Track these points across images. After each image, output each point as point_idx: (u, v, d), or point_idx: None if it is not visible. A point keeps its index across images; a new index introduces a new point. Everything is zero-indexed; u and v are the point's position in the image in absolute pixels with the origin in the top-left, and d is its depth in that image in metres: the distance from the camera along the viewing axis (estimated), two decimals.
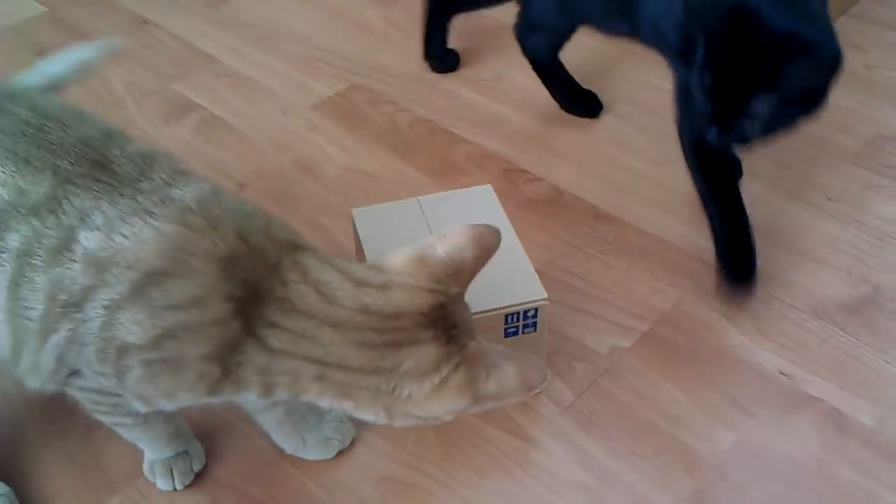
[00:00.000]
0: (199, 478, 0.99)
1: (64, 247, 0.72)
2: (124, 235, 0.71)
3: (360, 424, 1.03)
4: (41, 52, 1.73)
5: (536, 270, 1.21)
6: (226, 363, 0.72)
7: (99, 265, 0.71)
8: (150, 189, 0.75)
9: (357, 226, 1.08)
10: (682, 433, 1.02)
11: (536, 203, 1.35)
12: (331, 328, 0.73)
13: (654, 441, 1.02)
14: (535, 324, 0.97)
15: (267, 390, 0.75)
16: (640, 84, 1.60)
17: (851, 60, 1.32)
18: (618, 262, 1.25)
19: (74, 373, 0.78)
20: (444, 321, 0.75)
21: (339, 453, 1.01)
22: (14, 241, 0.73)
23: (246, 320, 0.72)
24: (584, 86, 1.55)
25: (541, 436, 1.03)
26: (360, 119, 1.54)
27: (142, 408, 0.79)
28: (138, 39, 1.77)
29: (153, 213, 0.73)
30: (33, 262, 0.73)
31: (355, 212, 1.10)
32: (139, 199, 0.74)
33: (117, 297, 0.71)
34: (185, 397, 0.76)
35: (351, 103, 1.58)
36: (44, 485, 0.99)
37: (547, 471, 0.99)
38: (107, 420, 0.88)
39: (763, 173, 1.39)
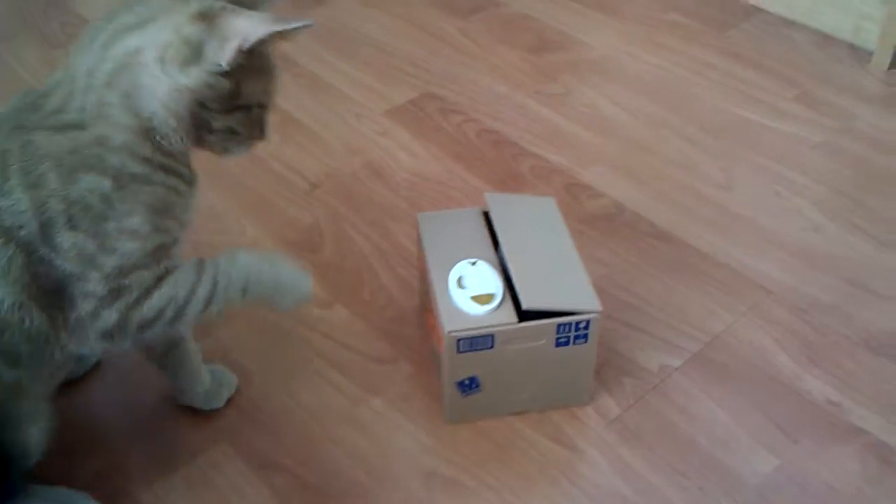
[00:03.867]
0: (256, 462, 1.05)
1: None
2: None
3: (412, 419, 1.08)
4: None
5: (594, 285, 1.25)
6: None
7: None
8: None
9: (421, 230, 1.12)
10: (724, 454, 1.04)
11: (597, 218, 1.38)
12: None
13: (697, 460, 1.04)
14: (586, 335, 1.00)
15: None
16: (707, 105, 1.61)
17: None
18: (674, 281, 1.27)
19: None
20: None
21: (389, 445, 1.05)
22: None
23: None
24: (654, 104, 1.57)
25: (586, 447, 1.06)
26: (430, 127, 1.59)
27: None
28: None
29: None
30: None
31: (420, 216, 1.14)
32: None
33: None
34: None
35: (422, 111, 1.63)
36: (109, 457, 1.06)
37: (590, 481, 1.02)
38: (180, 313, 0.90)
39: (825, 202, 1.39)
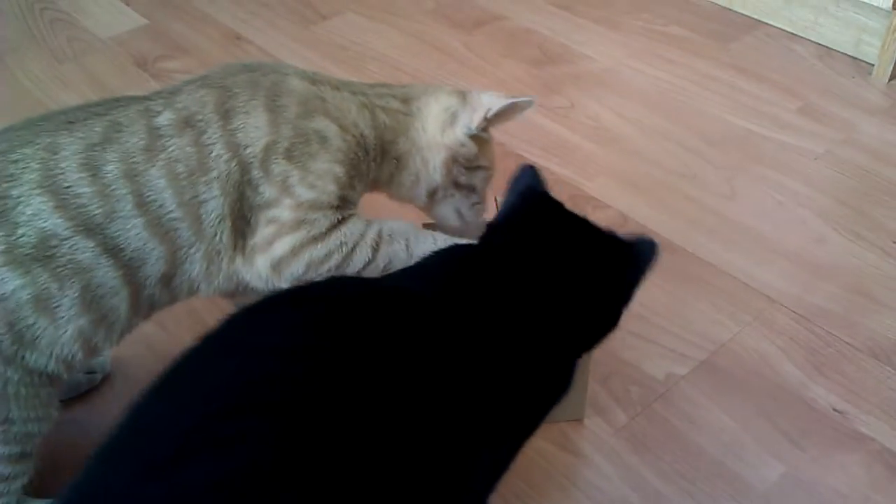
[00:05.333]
0: None
1: None
2: None
3: None
4: (141, 62, 1.84)
5: None
6: None
7: None
8: None
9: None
10: (731, 461, 1.05)
11: None
12: None
13: (704, 467, 1.04)
14: None
15: None
16: (710, 117, 1.63)
17: None
18: (679, 291, 1.28)
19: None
20: None
21: None
22: None
23: None
24: (657, 116, 1.59)
25: (593, 453, 1.07)
26: None
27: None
28: (233, 55, 1.87)
29: None
30: None
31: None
32: None
33: None
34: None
35: None
36: None
37: (596, 487, 1.03)
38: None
39: (828, 212, 1.40)
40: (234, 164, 0.89)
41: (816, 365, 1.16)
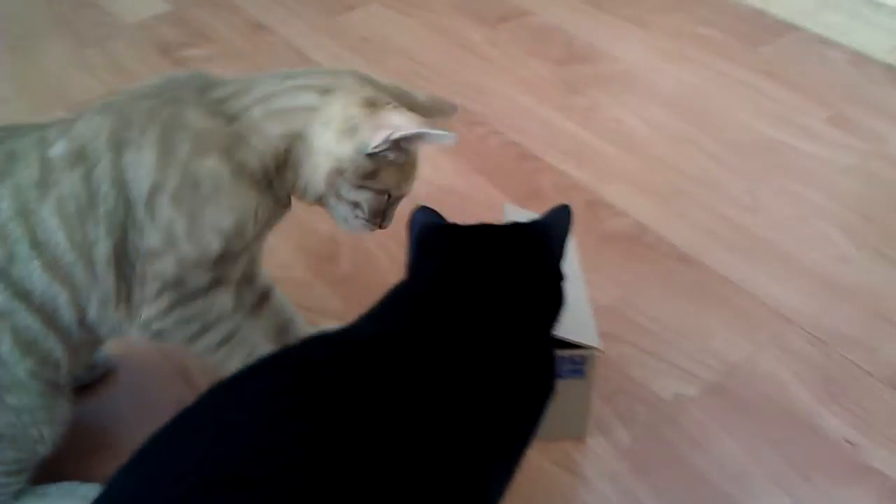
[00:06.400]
0: None
1: None
2: None
3: None
4: (163, 49, 1.83)
5: (608, 307, 1.23)
6: None
7: None
8: None
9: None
10: (735, 490, 1.02)
11: (618, 238, 1.36)
12: None
13: (706, 494, 1.02)
14: (582, 371, 0.98)
15: None
16: (736, 123, 1.59)
17: None
18: (694, 307, 1.25)
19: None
20: None
21: None
22: None
23: None
24: (681, 120, 1.55)
25: (593, 475, 1.04)
26: None
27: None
28: (253, 43, 1.86)
29: None
30: None
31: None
32: None
33: None
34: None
35: (446, 121, 1.61)
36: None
37: None
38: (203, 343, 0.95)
39: (853, 228, 1.36)
40: (119, 202, 0.84)
41: (831, 392, 1.13)
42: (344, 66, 1.76)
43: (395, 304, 0.81)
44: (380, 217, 0.95)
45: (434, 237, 0.88)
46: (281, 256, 1.33)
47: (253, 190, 0.88)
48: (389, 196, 0.93)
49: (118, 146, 0.84)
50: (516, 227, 0.89)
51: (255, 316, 1.06)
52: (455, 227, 0.89)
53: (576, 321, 1.00)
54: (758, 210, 1.41)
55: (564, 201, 1.43)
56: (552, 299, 0.86)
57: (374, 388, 0.65)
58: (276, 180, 0.90)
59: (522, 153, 1.54)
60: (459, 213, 0.95)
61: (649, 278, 1.29)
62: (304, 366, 0.66)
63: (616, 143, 1.56)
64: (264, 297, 1.07)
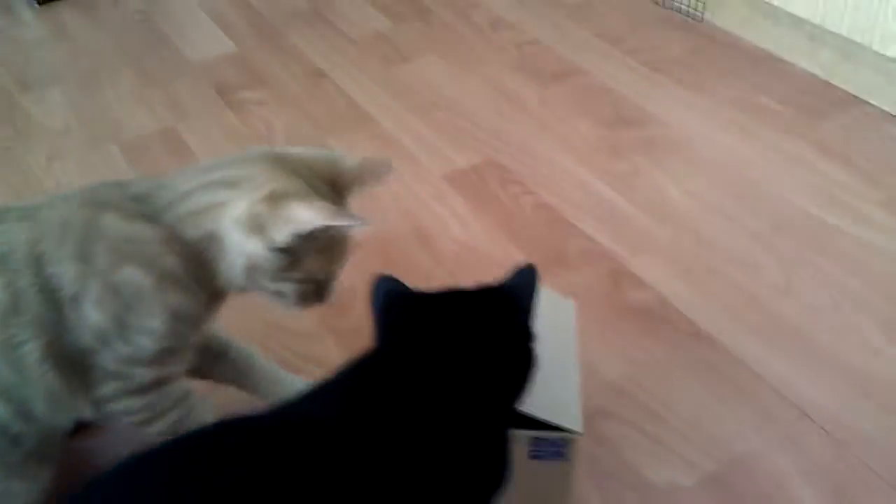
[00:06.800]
0: None
1: None
2: None
3: None
4: (221, 90, 1.89)
5: (614, 383, 1.19)
6: None
7: None
8: None
9: None
10: None
11: (636, 312, 1.31)
12: None
13: None
14: (563, 454, 0.94)
15: None
16: (782, 201, 1.52)
17: None
18: (703, 390, 1.19)
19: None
20: None
21: None
22: None
23: None
24: (725, 193, 1.50)
25: None
26: (487, 196, 1.57)
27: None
28: (310, 91, 1.90)
29: None
30: None
31: None
32: None
33: None
34: None
35: (482, 178, 1.61)
36: None
37: None
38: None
39: (890, 323, 1.27)
40: (47, 306, 0.85)
41: (839, 499, 1.05)
42: (391, 114, 1.79)
43: (344, 381, 0.79)
44: (314, 298, 0.94)
45: (397, 306, 0.87)
46: None
47: (178, 293, 0.88)
48: (318, 282, 0.92)
49: (38, 260, 0.85)
50: (483, 291, 0.87)
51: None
52: (419, 296, 0.88)
53: (561, 400, 0.97)
54: (790, 293, 1.34)
55: (588, 269, 1.41)
56: (521, 365, 0.85)
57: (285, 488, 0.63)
58: (203, 278, 0.90)
59: (554, 216, 1.52)
60: (480, 275, 0.94)
61: (663, 357, 1.24)
62: (210, 456, 0.65)
63: (652, 212, 1.51)
64: (219, 357, 1.08)
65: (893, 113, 1.72)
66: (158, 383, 0.92)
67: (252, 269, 0.88)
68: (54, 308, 0.85)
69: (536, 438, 0.93)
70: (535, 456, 0.95)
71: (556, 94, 1.85)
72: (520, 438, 0.93)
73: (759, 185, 1.57)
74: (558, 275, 1.38)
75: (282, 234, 0.85)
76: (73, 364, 0.87)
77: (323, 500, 0.64)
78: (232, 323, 1.10)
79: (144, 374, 0.90)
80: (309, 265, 0.90)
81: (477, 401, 0.80)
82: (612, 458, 1.10)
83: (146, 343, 0.88)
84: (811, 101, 1.78)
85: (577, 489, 1.06)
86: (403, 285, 0.89)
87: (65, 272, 0.85)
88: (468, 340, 0.82)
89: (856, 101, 1.77)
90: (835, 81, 1.82)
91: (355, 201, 0.97)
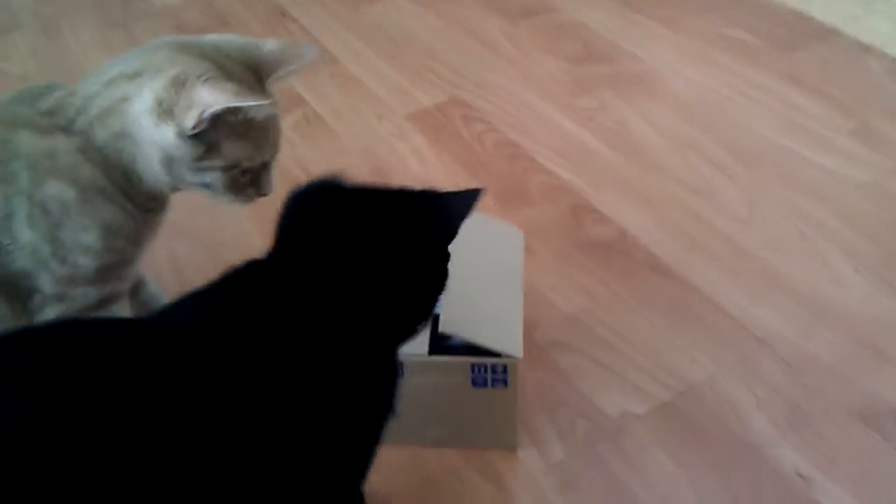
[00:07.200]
0: None
1: None
2: None
3: None
4: (183, 31, 1.85)
5: (571, 316, 1.18)
6: None
7: None
8: None
9: None
10: None
11: (595, 246, 1.29)
12: None
13: None
14: (505, 380, 0.93)
15: None
16: (748, 131, 1.49)
17: None
18: (661, 321, 1.17)
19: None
20: None
21: None
22: None
23: None
24: (690, 125, 1.47)
25: (517, 488, 0.99)
26: (449, 134, 1.54)
27: None
28: (273, 31, 1.86)
29: None
30: None
31: None
32: None
33: None
34: None
35: (445, 116, 1.58)
36: None
37: None
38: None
39: (855, 251, 1.25)
40: None
41: (792, 422, 1.04)
42: (356, 55, 1.75)
43: (214, 289, 0.70)
44: (247, 189, 0.89)
45: (301, 202, 0.76)
46: (255, 245, 1.33)
47: (105, 205, 0.85)
48: (244, 169, 0.87)
49: None
50: (412, 194, 0.78)
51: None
52: (332, 192, 0.77)
53: (503, 327, 0.95)
54: (752, 223, 1.32)
55: (548, 204, 1.39)
56: (425, 280, 0.76)
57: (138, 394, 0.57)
58: (125, 184, 0.86)
59: (516, 153, 1.49)
60: None
61: (620, 289, 1.22)
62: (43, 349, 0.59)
63: (615, 146, 1.49)
64: (136, 289, 1.06)
65: (866, 42, 1.68)
66: (102, 302, 0.90)
67: (169, 161, 0.84)
68: None
69: (475, 365, 0.91)
70: (478, 383, 0.93)
71: (526, 31, 1.81)
72: (461, 365, 0.92)
73: (727, 117, 1.54)
74: (519, 210, 1.36)
75: (189, 119, 0.80)
76: (12, 289, 0.85)
77: (150, 414, 0.56)
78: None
79: (88, 294, 0.88)
80: (229, 152, 0.84)
81: (361, 311, 0.71)
82: (565, 387, 1.08)
83: (83, 261, 0.86)
84: (784, 34, 1.74)
85: (529, 418, 1.04)
86: (335, 183, 0.78)
87: None
88: (366, 242, 0.73)
89: (830, 32, 1.73)
90: (811, 12, 1.78)
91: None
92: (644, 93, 1.61)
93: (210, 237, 1.32)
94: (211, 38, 0.89)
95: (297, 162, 1.48)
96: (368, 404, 0.72)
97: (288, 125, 1.58)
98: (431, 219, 0.77)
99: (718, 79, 1.63)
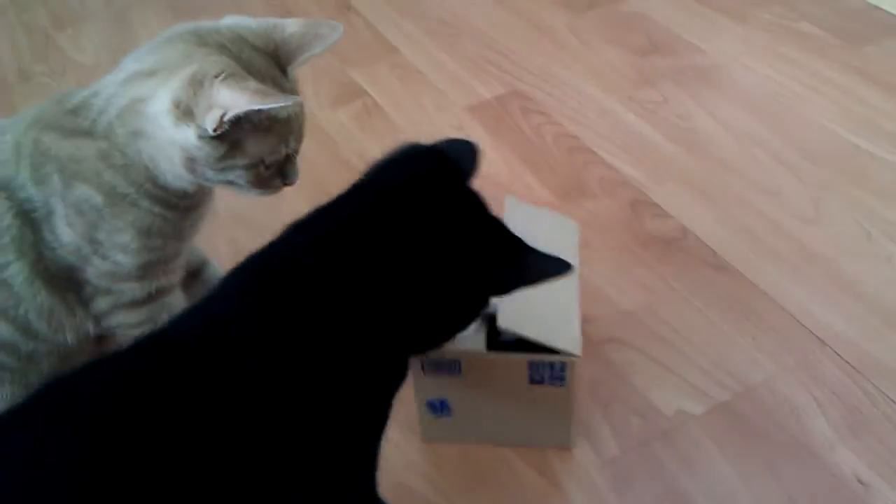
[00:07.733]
0: None
1: None
2: None
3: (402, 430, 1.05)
4: None
5: (627, 312, 1.17)
6: None
7: None
8: None
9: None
10: None
11: (655, 241, 1.28)
12: None
13: None
14: (562, 378, 0.93)
15: None
16: (816, 127, 1.46)
17: None
18: (720, 319, 1.16)
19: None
20: None
21: None
22: None
23: None
24: (755, 120, 1.44)
25: (570, 485, 0.99)
26: (508, 127, 1.54)
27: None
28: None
29: None
30: None
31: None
32: None
33: None
34: None
35: (505, 109, 1.58)
36: None
37: None
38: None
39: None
40: (25, 228, 0.84)
41: (853, 426, 1.02)
42: (416, 45, 1.75)
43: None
44: (273, 182, 0.88)
45: (421, 172, 0.78)
46: None
47: (132, 209, 0.86)
48: (266, 165, 0.85)
49: (5, 185, 0.84)
50: (501, 231, 0.78)
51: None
52: (449, 181, 0.77)
53: (560, 323, 0.95)
54: (819, 222, 1.29)
55: (608, 198, 1.38)
56: (461, 316, 0.77)
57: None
58: (154, 188, 0.86)
59: (576, 146, 1.48)
60: (492, 202, 0.88)
61: (680, 286, 1.21)
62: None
63: (678, 140, 1.47)
64: (195, 274, 1.08)
65: None
66: (153, 296, 0.93)
67: (191, 162, 0.82)
68: (32, 229, 0.85)
69: (532, 362, 0.91)
70: (535, 381, 0.93)
71: (589, 22, 1.80)
72: (518, 363, 0.92)
73: (792, 112, 1.50)
74: (578, 204, 1.35)
75: (209, 122, 0.78)
76: (65, 281, 0.88)
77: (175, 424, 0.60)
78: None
79: (135, 289, 0.91)
80: (252, 149, 0.82)
81: (386, 317, 0.71)
82: (621, 383, 1.08)
83: (123, 259, 0.88)
84: (854, 27, 1.70)
85: (583, 414, 1.04)
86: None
87: (32, 195, 0.85)
88: (425, 253, 0.72)
89: None
90: (882, 5, 1.73)
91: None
92: (708, 86, 1.58)
93: (271, 225, 1.33)
94: (229, 23, 0.87)
95: (356, 152, 1.50)
96: (369, 407, 0.73)
97: (348, 115, 1.59)
98: (500, 266, 0.76)
99: (785, 73, 1.60)
